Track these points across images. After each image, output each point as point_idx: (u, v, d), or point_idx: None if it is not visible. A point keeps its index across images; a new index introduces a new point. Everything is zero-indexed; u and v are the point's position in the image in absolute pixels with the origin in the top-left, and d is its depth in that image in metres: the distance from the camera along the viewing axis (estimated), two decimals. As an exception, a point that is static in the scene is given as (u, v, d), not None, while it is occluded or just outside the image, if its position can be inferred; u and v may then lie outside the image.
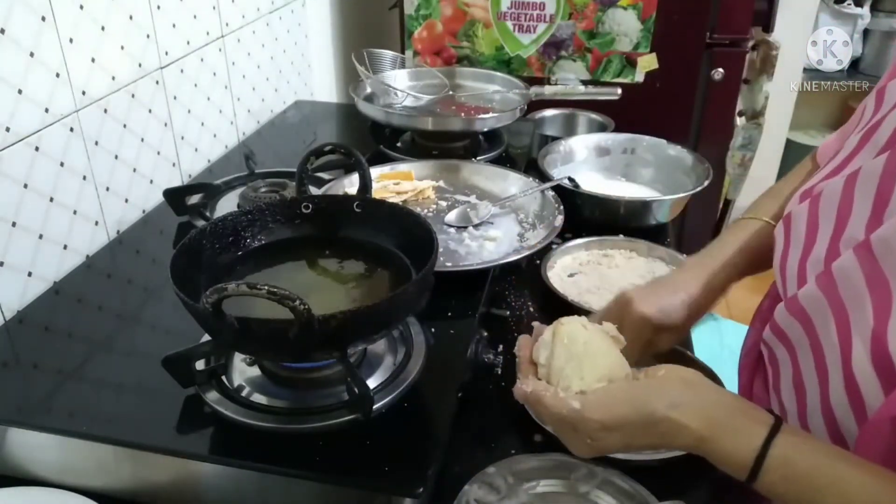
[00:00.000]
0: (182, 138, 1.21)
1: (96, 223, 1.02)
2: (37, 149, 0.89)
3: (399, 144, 1.36)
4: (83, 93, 0.97)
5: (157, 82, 1.13)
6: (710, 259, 0.78)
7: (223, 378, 0.73)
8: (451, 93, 1.45)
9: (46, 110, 0.91)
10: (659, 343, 0.77)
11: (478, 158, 1.26)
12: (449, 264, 0.93)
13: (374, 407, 0.67)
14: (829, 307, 0.57)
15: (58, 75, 0.92)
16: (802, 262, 0.63)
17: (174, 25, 1.15)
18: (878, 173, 0.57)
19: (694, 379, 0.60)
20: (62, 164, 0.94)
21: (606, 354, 0.62)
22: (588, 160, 1.37)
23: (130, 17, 1.05)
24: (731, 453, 0.55)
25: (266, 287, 0.58)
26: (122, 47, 1.04)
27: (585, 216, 1.19)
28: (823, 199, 0.63)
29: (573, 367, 0.61)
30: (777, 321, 0.65)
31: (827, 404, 0.58)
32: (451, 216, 1.05)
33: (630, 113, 1.49)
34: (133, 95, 1.07)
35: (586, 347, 0.61)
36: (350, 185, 1.08)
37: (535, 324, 0.68)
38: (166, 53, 1.14)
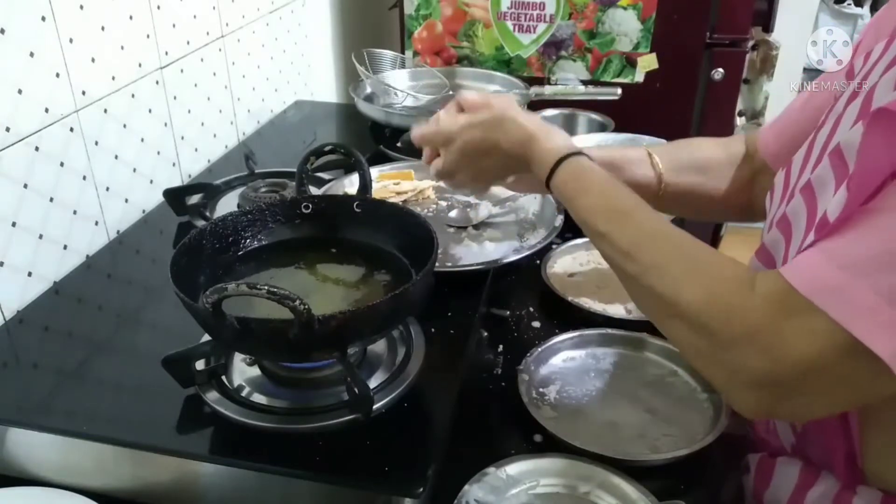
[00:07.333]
0: (182, 138, 1.21)
1: (96, 223, 1.02)
2: (37, 149, 0.90)
3: (399, 144, 1.35)
4: (83, 93, 0.97)
5: (157, 82, 1.13)
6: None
7: (223, 378, 0.73)
8: (451, 93, 1.45)
9: (46, 110, 0.91)
10: None
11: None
12: (449, 264, 0.93)
13: (374, 407, 0.67)
14: (805, 213, 0.59)
15: (58, 75, 0.92)
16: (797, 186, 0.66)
17: (174, 25, 1.15)
18: (861, 98, 0.60)
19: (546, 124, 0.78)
20: (62, 164, 0.94)
21: None
22: (588, 160, 1.36)
23: (130, 17, 1.05)
24: (543, 155, 0.73)
25: (266, 287, 0.58)
26: (122, 47, 1.04)
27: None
28: (819, 134, 0.66)
29: None
30: (764, 243, 0.66)
31: None
32: (451, 216, 1.05)
33: (630, 113, 1.49)
34: (133, 95, 1.07)
35: None
36: (350, 185, 1.08)
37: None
38: (166, 53, 1.14)
